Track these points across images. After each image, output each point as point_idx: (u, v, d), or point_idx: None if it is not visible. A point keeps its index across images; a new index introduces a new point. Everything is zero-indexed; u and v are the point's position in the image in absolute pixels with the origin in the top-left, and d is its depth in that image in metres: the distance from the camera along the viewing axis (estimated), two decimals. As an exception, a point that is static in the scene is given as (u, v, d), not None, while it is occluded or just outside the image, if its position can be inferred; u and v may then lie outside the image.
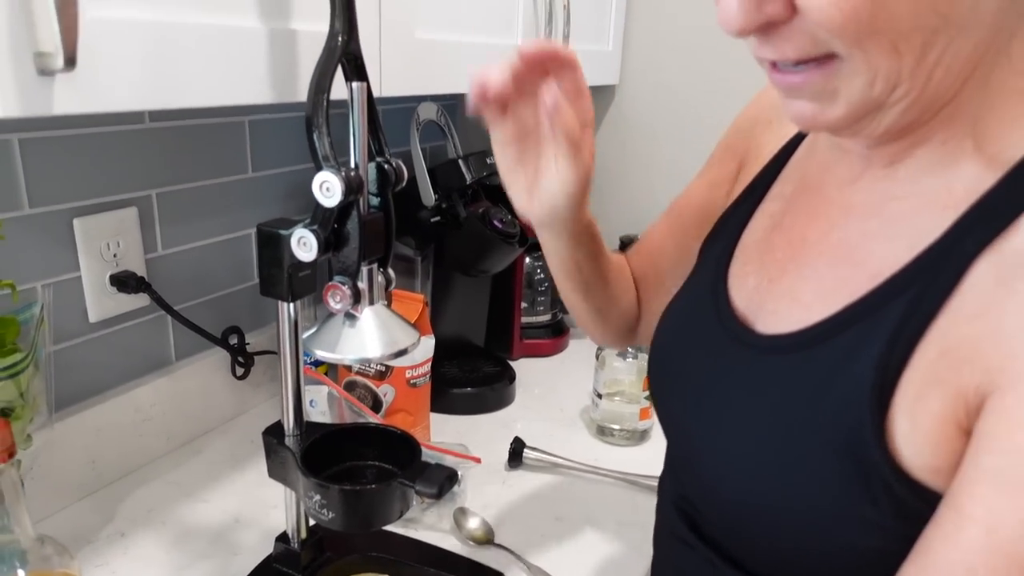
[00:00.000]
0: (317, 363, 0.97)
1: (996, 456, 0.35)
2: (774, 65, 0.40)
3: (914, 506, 0.39)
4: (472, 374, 1.13)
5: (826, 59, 0.38)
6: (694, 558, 0.52)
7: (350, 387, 0.94)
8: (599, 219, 0.62)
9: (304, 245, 0.53)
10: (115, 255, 0.82)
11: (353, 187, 0.52)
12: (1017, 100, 0.40)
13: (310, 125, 0.52)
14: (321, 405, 0.90)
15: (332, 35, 0.52)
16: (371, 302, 0.56)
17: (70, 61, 0.38)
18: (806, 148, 0.53)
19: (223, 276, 0.98)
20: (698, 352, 0.52)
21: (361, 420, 0.85)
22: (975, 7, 0.36)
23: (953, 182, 0.41)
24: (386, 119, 1.17)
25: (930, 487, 0.39)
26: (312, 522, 0.68)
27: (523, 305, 1.26)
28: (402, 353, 0.56)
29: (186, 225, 0.92)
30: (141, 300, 0.86)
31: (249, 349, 0.99)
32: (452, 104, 1.35)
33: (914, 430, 0.38)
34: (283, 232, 0.55)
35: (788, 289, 0.47)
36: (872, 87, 0.38)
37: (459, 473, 0.82)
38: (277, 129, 1.01)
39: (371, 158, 0.57)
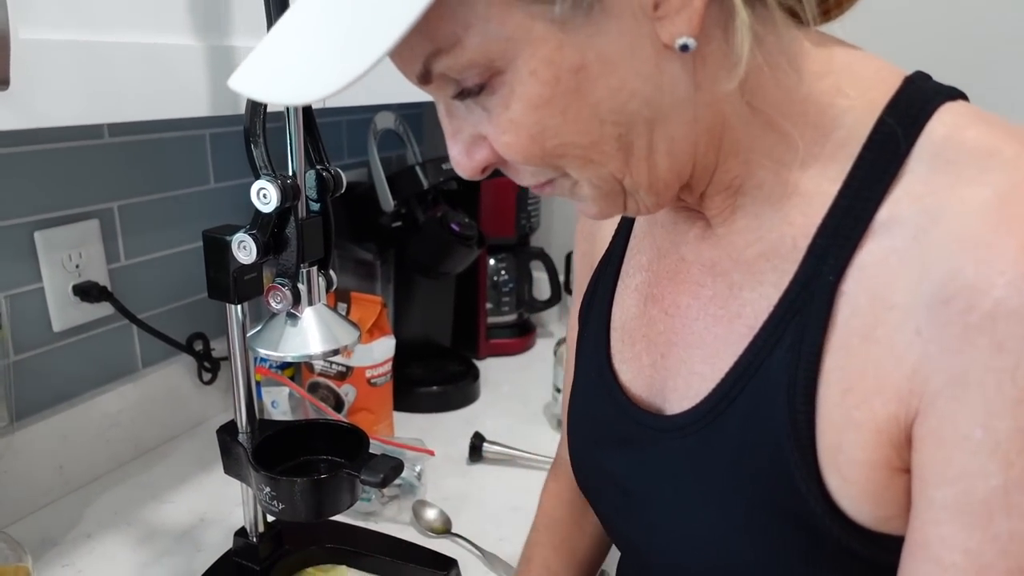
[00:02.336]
0: (283, 367, 1.00)
1: (945, 488, 0.32)
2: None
3: (885, 560, 0.36)
4: (437, 373, 1.16)
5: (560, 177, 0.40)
6: None
7: (313, 388, 0.97)
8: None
9: (244, 249, 0.56)
10: (77, 266, 0.85)
11: (289, 194, 0.56)
12: (776, 139, 0.39)
13: (248, 137, 0.56)
14: (283, 406, 0.93)
15: (267, 50, 0.55)
16: (311, 303, 0.59)
17: (3, 82, 0.41)
18: (646, 217, 0.52)
19: (187, 284, 1.00)
20: (610, 450, 0.50)
21: (322, 419, 0.88)
22: (652, 100, 0.36)
23: (790, 212, 0.40)
24: (348, 129, 1.20)
25: (888, 533, 0.36)
26: (271, 517, 0.70)
27: (488, 306, 1.29)
28: (342, 350, 0.59)
29: (149, 235, 0.94)
30: (105, 309, 0.88)
31: (215, 355, 1.02)
32: (416, 113, 1.38)
33: (845, 483, 0.36)
34: (227, 238, 0.58)
35: (681, 361, 0.45)
36: (602, 186, 0.39)
37: (416, 466, 0.85)
38: (238, 141, 1.03)
39: (311, 166, 0.60)
